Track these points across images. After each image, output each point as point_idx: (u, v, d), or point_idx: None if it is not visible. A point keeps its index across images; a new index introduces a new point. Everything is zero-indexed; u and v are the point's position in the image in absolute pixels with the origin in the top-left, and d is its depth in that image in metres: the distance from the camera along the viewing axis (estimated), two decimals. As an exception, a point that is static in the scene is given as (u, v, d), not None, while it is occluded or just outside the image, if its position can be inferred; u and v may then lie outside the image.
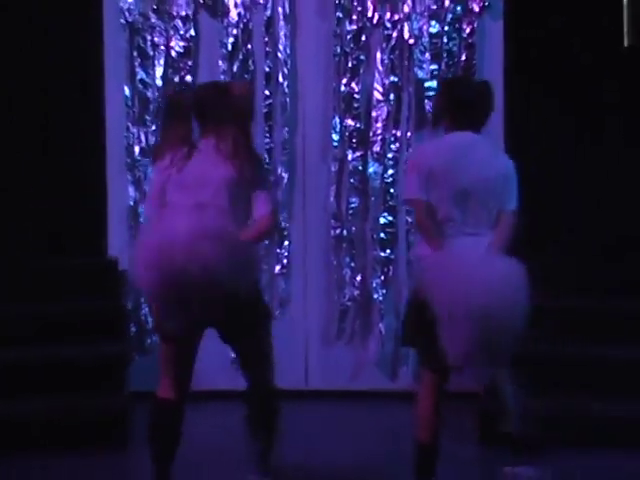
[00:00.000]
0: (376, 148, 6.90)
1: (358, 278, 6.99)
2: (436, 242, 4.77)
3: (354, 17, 6.86)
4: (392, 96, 6.88)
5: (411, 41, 6.87)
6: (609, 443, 5.68)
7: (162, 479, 4.73)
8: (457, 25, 6.86)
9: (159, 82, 6.89)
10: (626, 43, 6.90)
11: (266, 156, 6.87)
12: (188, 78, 6.88)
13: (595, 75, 7.02)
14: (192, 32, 6.91)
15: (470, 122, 4.93)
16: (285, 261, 7.05)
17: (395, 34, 6.86)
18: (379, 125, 6.91)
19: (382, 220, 6.85)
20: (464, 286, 4.48)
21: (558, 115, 7.05)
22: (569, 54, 7.06)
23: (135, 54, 6.89)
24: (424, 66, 6.87)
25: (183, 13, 6.89)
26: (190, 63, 6.91)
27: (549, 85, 7.07)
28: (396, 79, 6.88)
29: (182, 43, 6.89)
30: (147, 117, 6.89)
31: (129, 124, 6.91)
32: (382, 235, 6.86)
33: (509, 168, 4.96)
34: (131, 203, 6.88)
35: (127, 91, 6.90)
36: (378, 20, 6.88)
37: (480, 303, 4.43)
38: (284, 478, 5.25)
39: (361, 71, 6.90)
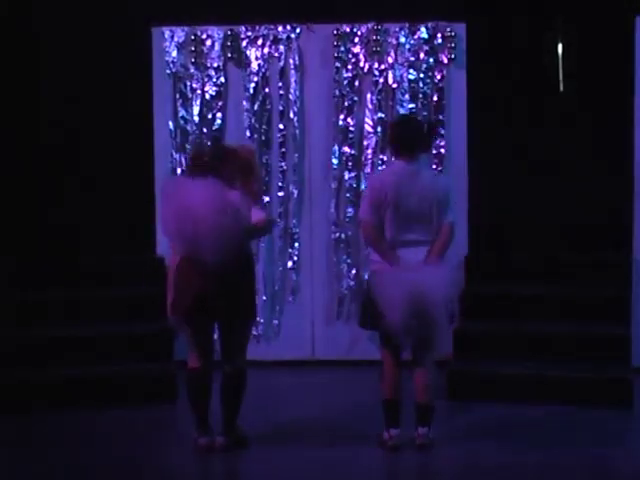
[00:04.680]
0: (367, 169, 7.87)
1: (353, 272, 7.90)
2: (387, 255, 5.64)
3: (349, 67, 7.85)
4: (379, 129, 7.83)
5: (394, 85, 7.84)
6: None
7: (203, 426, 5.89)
8: (430, 73, 7.83)
9: (196, 119, 7.94)
10: (561, 89, 7.99)
11: (280, 176, 7.94)
12: (219, 115, 7.94)
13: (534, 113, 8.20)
14: (222, 79, 7.93)
15: (408, 153, 5.67)
16: (295, 258, 7.99)
17: (382, 80, 7.85)
18: (369, 152, 7.87)
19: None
20: (403, 285, 5.47)
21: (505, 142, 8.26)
22: (516, 97, 8.22)
23: (177, 96, 7.94)
24: (404, 105, 7.85)
25: (215, 64, 7.91)
26: (220, 104, 7.94)
27: (500, 119, 8.25)
28: (382, 115, 7.85)
29: (214, 88, 7.92)
30: (187, 146, 7.91)
31: (172, 151, 7.94)
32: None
33: (446, 187, 5.69)
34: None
35: (171, 125, 7.94)
36: (368, 69, 7.85)
37: (413, 297, 5.44)
38: (292, 426, 6.32)
39: (355, 109, 7.87)
